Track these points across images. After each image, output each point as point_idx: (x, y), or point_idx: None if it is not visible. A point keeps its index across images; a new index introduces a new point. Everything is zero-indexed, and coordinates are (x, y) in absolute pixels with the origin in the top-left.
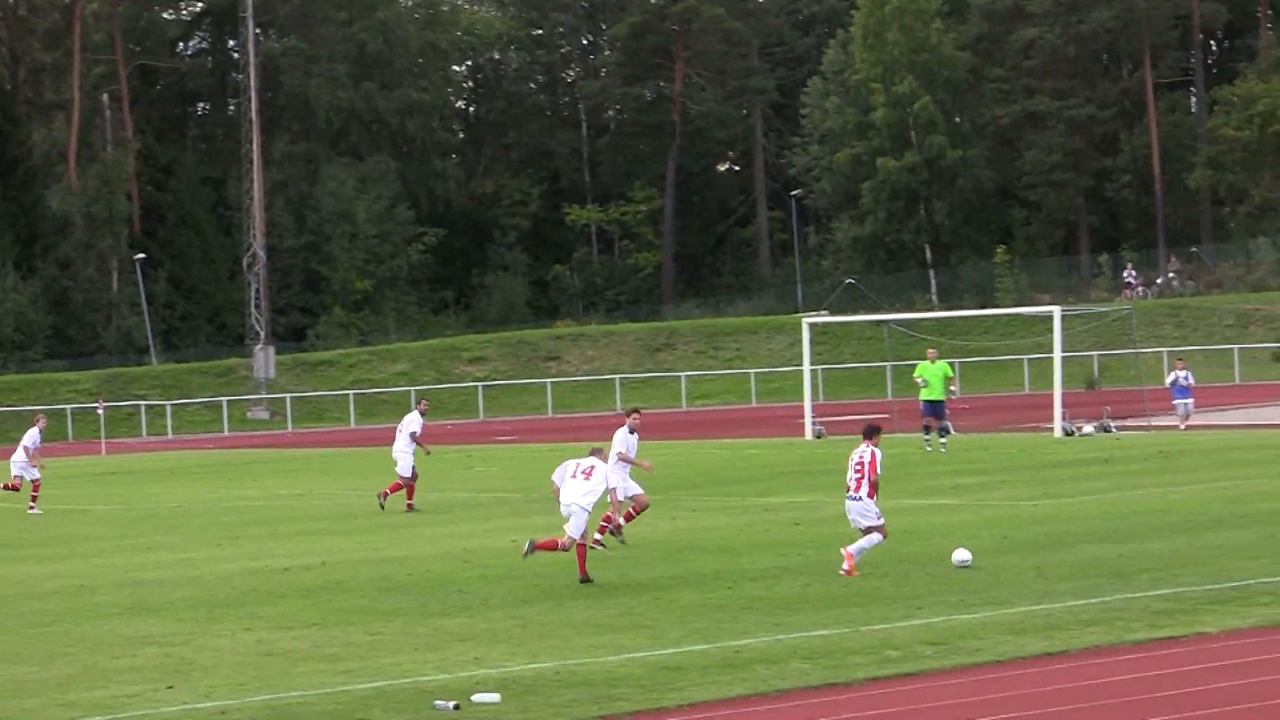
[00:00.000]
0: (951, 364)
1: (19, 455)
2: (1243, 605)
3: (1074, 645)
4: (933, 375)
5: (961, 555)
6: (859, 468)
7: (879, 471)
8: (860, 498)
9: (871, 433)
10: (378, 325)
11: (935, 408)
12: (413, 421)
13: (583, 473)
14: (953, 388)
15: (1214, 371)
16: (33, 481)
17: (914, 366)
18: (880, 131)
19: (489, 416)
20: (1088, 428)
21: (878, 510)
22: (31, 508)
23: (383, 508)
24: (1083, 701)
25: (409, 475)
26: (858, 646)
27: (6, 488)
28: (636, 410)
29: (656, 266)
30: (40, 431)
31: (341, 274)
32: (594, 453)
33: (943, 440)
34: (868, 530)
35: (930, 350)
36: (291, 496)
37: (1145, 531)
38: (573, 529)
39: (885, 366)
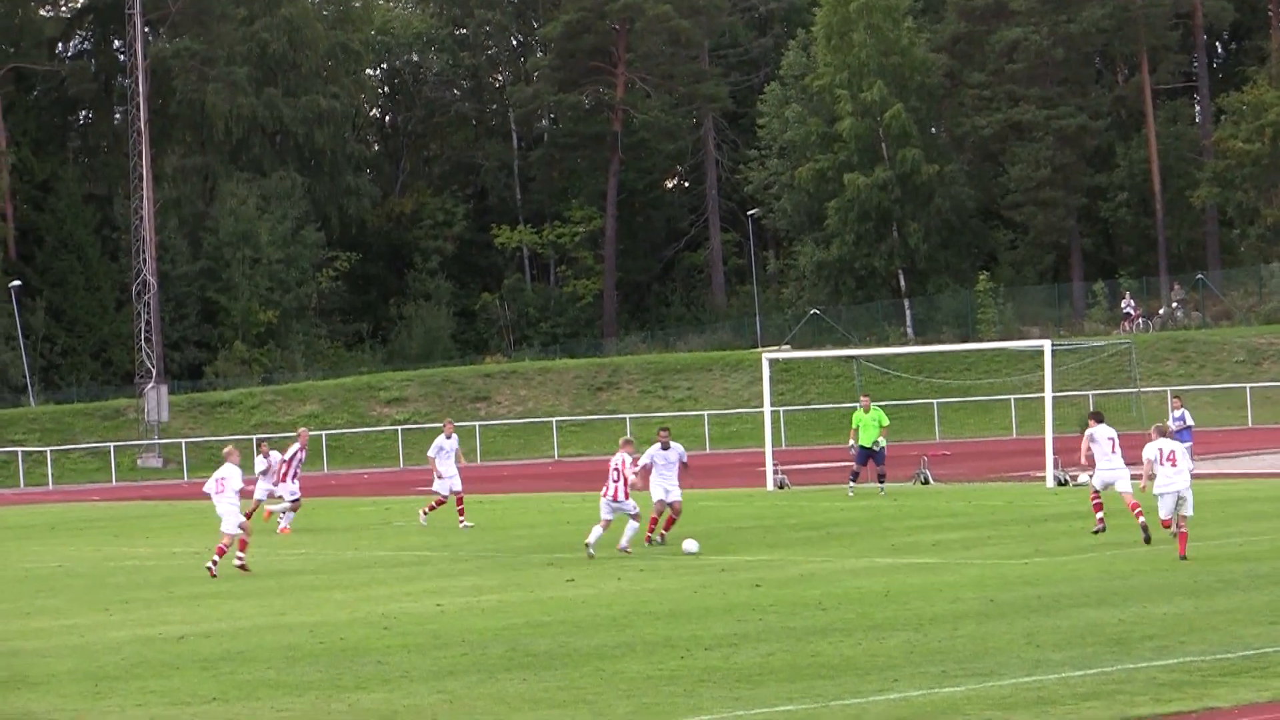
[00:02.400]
0: (886, 409)
1: None
2: (1259, 677)
3: None
4: (866, 424)
5: (690, 545)
6: None
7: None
8: None
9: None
10: (284, 362)
11: (867, 455)
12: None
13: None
14: (880, 439)
15: (1223, 413)
16: None
17: (891, 407)
18: (847, 144)
19: (410, 464)
20: (1083, 477)
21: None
22: None
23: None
24: None
25: (234, 531)
26: None
27: None
28: (665, 429)
29: (597, 295)
30: None
31: (243, 304)
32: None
33: (880, 486)
34: None
35: (864, 397)
36: (188, 555)
37: (1148, 594)
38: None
39: (854, 407)
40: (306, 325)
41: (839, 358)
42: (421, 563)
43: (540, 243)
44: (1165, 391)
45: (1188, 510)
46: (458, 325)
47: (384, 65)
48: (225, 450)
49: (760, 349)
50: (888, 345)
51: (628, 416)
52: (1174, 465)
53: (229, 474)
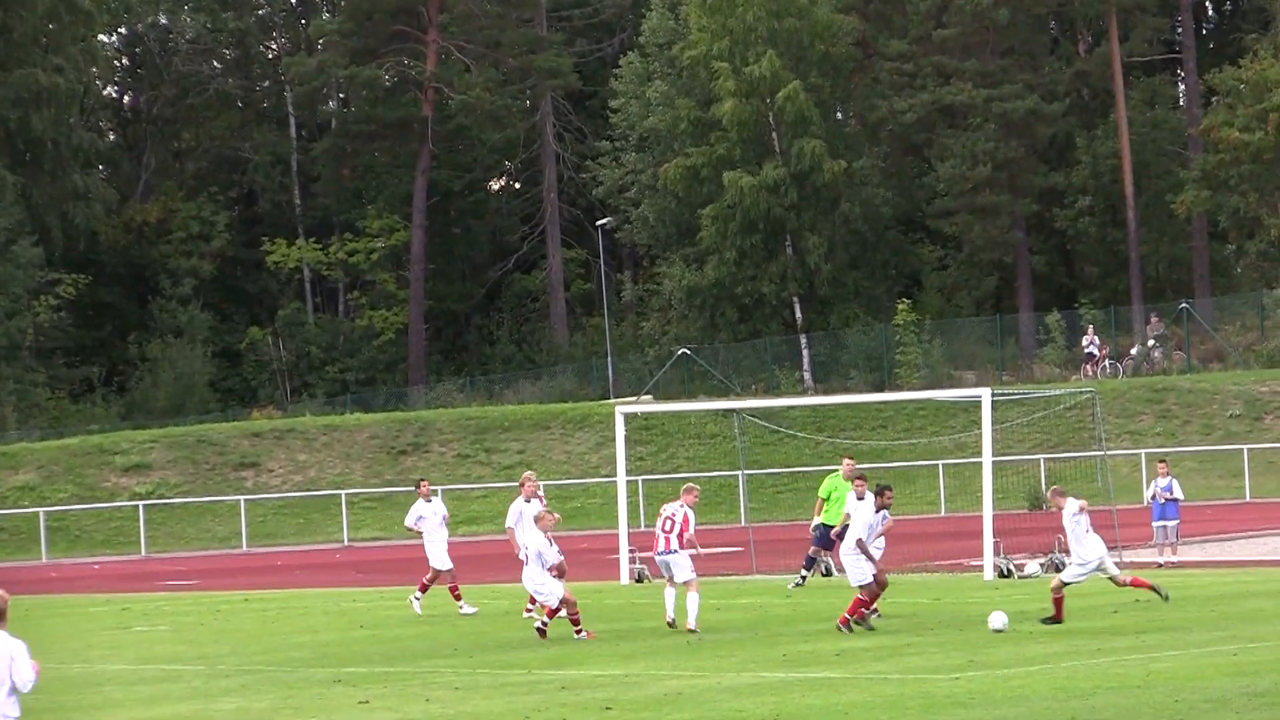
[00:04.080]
0: (774, 477)
1: None
2: None
3: None
4: (842, 496)
5: (997, 621)
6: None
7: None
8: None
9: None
10: None
11: (826, 536)
12: None
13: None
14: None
15: (1214, 483)
16: None
17: (784, 475)
18: (728, 133)
19: (154, 551)
20: (1031, 565)
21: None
22: None
23: None
24: None
25: None
26: None
27: None
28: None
29: (400, 330)
30: None
31: None
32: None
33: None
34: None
35: (846, 459)
36: None
37: (1116, 717)
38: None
39: (737, 475)
40: (19, 369)
41: (716, 411)
42: (170, 679)
43: (327, 262)
44: (1139, 455)
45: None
46: (218, 370)
47: (122, 29)
48: None
49: (614, 400)
50: (779, 395)
51: (439, 488)
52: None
53: None
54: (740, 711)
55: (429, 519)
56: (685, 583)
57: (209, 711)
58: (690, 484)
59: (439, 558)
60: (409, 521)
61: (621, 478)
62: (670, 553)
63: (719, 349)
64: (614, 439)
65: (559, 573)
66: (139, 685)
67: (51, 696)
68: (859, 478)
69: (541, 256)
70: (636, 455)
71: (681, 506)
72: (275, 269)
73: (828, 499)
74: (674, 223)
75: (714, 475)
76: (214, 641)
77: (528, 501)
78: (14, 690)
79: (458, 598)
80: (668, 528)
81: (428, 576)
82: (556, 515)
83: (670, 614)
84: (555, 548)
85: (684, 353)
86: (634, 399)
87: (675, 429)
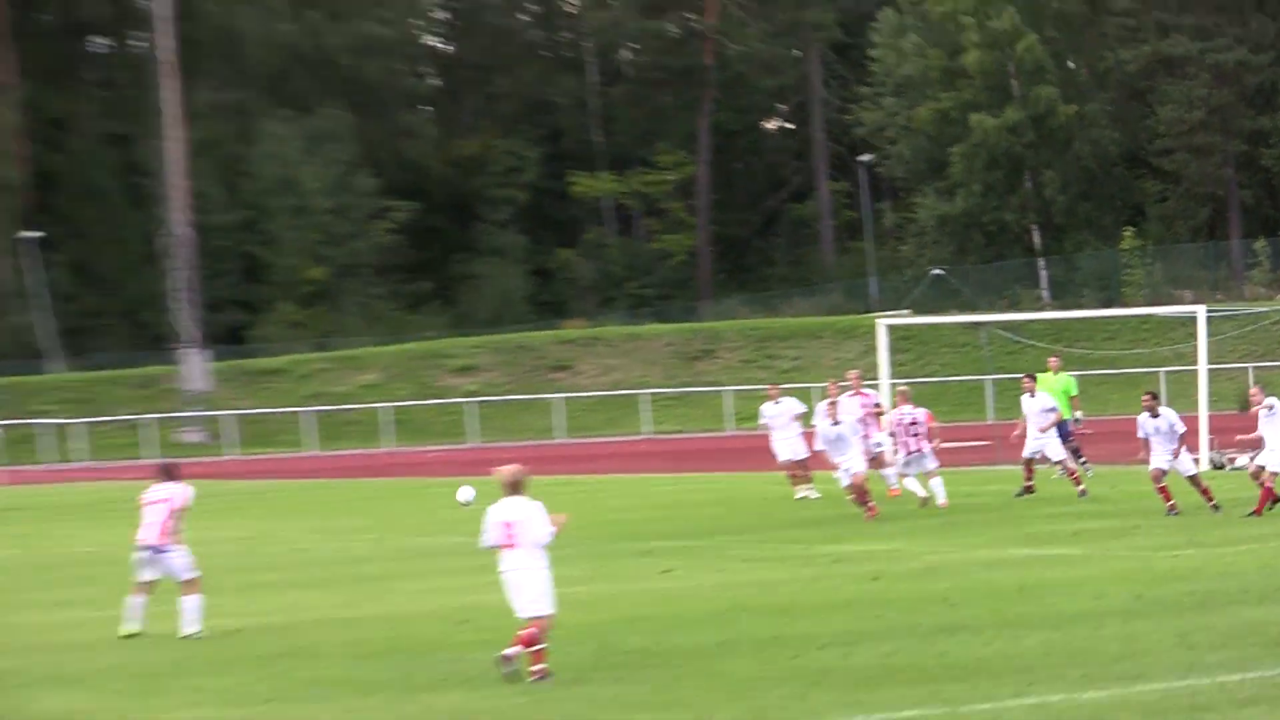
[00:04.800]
0: (1075, 378)
1: None
2: None
3: None
4: (1052, 392)
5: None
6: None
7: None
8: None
9: None
10: (338, 325)
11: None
12: None
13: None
14: (1077, 412)
15: None
16: None
17: (1068, 375)
18: (973, 80)
19: (483, 441)
20: (1242, 459)
21: None
22: None
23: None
24: None
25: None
26: None
27: None
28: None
29: (690, 252)
30: None
31: (288, 259)
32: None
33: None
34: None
35: (1051, 359)
36: (237, 541)
37: None
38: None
39: (984, 381)
40: (361, 284)
41: (965, 324)
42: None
43: (624, 192)
44: None
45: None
46: (533, 285)
47: None
48: None
49: (876, 314)
50: (1020, 310)
51: (727, 389)
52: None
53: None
54: (990, 582)
55: (776, 417)
56: (932, 471)
57: None
58: (903, 387)
59: (789, 449)
60: (762, 420)
61: (885, 381)
62: (919, 454)
63: (968, 270)
64: (877, 347)
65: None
66: (473, 556)
67: (400, 564)
68: (1029, 376)
69: (811, 188)
70: (897, 362)
71: (914, 409)
72: (581, 198)
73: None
74: (926, 159)
75: (963, 379)
76: None
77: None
78: (538, 544)
79: (801, 483)
80: (914, 430)
81: (790, 470)
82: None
83: (922, 492)
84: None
85: (937, 273)
86: (894, 313)
87: (930, 339)
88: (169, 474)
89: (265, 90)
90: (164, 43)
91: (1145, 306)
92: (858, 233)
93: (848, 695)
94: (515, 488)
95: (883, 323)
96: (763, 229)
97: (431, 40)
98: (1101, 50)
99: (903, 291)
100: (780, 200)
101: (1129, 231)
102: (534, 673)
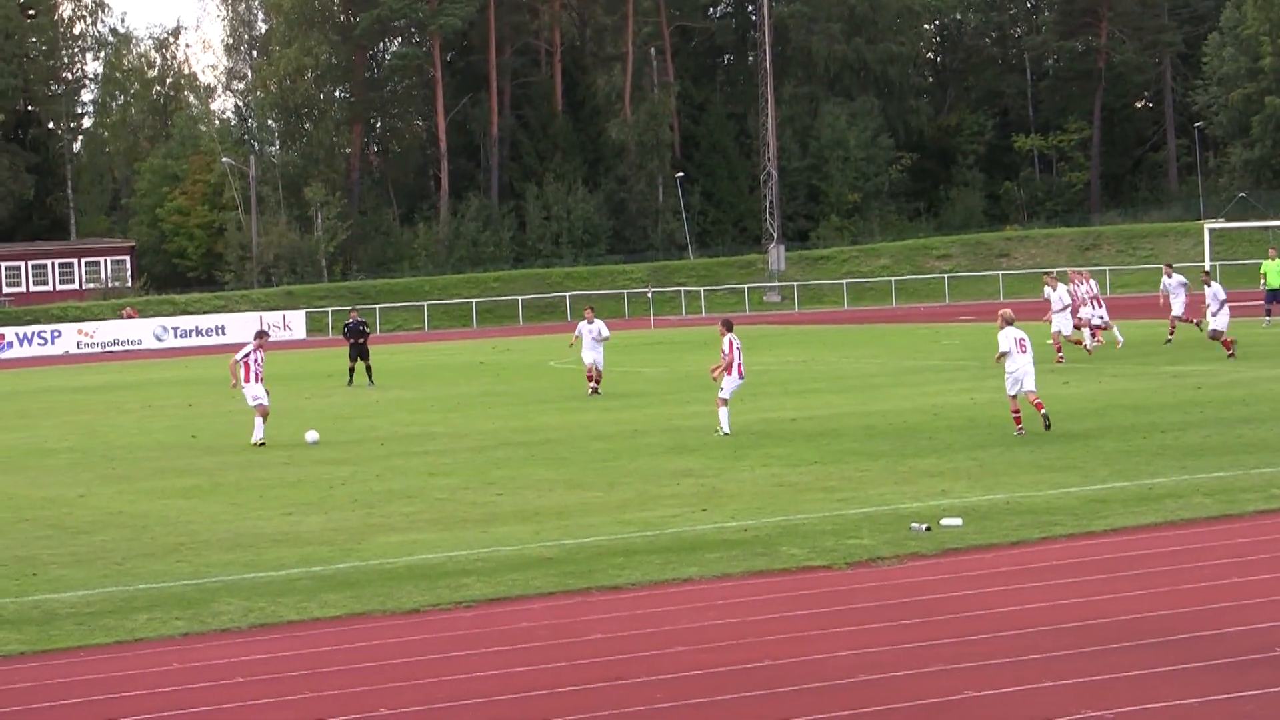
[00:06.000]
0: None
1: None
2: None
3: None
4: (1272, 271)
5: (310, 436)
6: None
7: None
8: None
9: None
10: (865, 229)
11: (1274, 295)
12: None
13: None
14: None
15: None
16: None
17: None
18: (1267, 75)
19: (953, 301)
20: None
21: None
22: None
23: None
24: None
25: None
26: (1248, 485)
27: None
28: (590, 307)
29: (1086, 184)
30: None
31: (836, 189)
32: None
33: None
34: None
35: (1271, 249)
36: (798, 363)
37: None
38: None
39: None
40: (881, 204)
41: (1260, 228)
42: (958, 369)
43: (1046, 146)
44: None
45: (1030, 385)
46: (987, 204)
47: (936, 21)
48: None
49: (1203, 221)
50: None
51: (1108, 269)
52: (1023, 352)
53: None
54: (1273, 391)
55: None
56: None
57: (980, 387)
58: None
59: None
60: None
61: (1207, 263)
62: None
63: (1262, 194)
64: (1204, 243)
65: None
66: (943, 372)
67: (895, 377)
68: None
69: (1164, 144)
70: (1216, 251)
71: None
72: (1018, 150)
73: (1266, 273)
74: (1237, 125)
75: (1259, 261)
76: (983, 350)
77: (589, 323)
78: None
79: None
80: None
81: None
82: None
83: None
84: None
85: (1242, 196)
86: (1215, 221)
87: (1237, 238)
88: (729, 327)
89: (826, 86)
90: (766, 57)
91: None
92: (1192, 171)
93: (1179, 462)
94: (1010, 321)
95: (1208, 227)
96: (1132, 169)
97: (930, 54)
98: None
99: (1220, 207)
100: (1144, 151)
101: None
102: (1021, 429)
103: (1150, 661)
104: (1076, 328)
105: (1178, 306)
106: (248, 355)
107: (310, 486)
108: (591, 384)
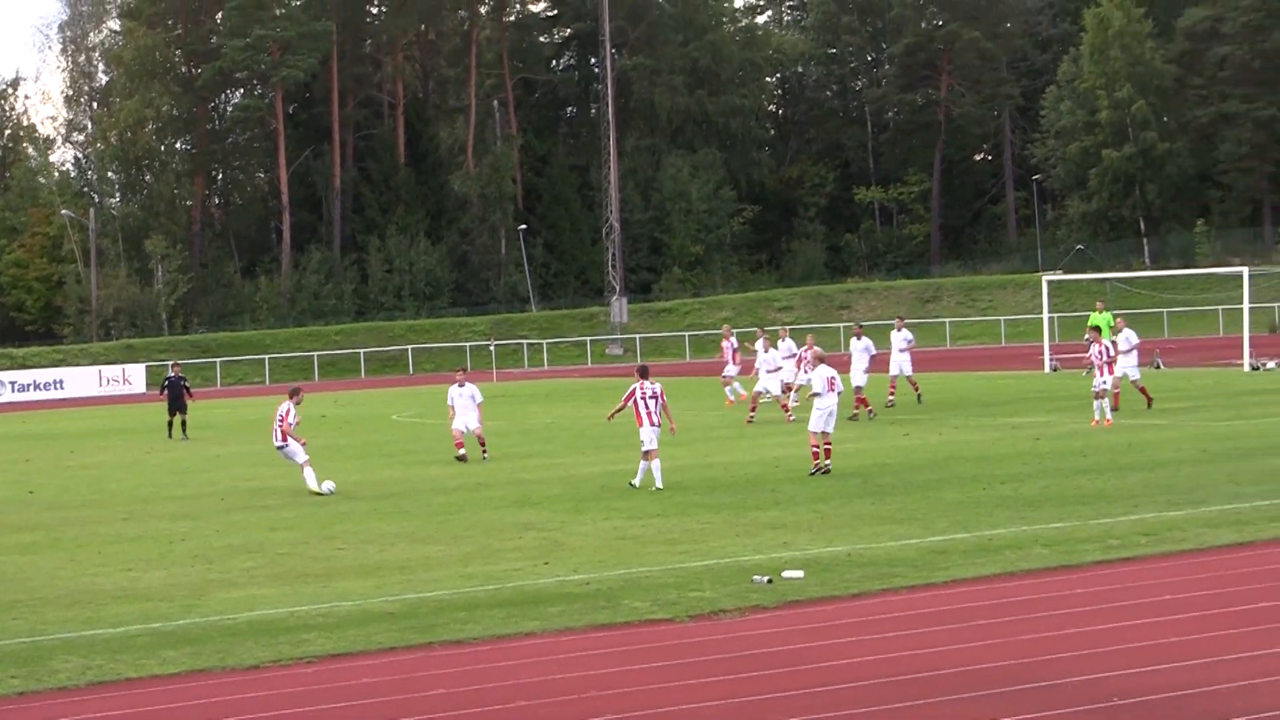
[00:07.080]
0: (1116, 315)
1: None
2: None
3: (1260, 537)
4: (1104, 323)
5: (328, 486)
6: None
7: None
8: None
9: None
10: (707, 281)
11: None
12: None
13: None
14: (1114, 336)
15: None
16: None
17: (1108, 312)
18: (1104, 129)
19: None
20: (1270, 364)
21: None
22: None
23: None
24: (1265, 582)
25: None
26: (1086, 536)
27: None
28: (463, 368)
29: (926, 235)
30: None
31: (679, 241)
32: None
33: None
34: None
35: (1098, 303)
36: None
37: None
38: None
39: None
40: (723, 256)
41: (1096, 280)
42: (797, 425)
43: (887, 198)
44: None
45: (831, 427)
46: (828, 256)
47: (778, 74)
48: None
49: (1041, 273)
50: (1131, 271)
51: (947, 320)
52: (831, 390)
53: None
54: (1109, 443)
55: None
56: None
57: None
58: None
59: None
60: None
61: (1045, 315)
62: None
63: (1099, 246)
64: (1042, 294)
65: None
66: (776, 424)
67: (732, 430)
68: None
69: (1003, 195)
70: (1054, 303)
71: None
72: (859, 202)
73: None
74: (1074, 177)
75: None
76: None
77: (460, 387)
78: (838, 391)
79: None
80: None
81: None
82: None
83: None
84: None
85: (1079, 249)
86: (1052, 273)
87: (1074, 289)
88: (644, 374)
89: (669, 139)
90: (608, 109)
91: (1210, 268)
92: (1030, 223)
93: (1018, 513)
94: (822, 359)
95: (1045, 279)
96: (971, 220)
97: (771, 107)
98: (1184, 109)
99: (1058, 259)
100: (983, 203)
101: (1200, 222)
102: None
103: (991, 711)
104: (784, 391)
105: (858, 375)
106: (287, 412)
107: (150, 542)
108: (460, 450)
